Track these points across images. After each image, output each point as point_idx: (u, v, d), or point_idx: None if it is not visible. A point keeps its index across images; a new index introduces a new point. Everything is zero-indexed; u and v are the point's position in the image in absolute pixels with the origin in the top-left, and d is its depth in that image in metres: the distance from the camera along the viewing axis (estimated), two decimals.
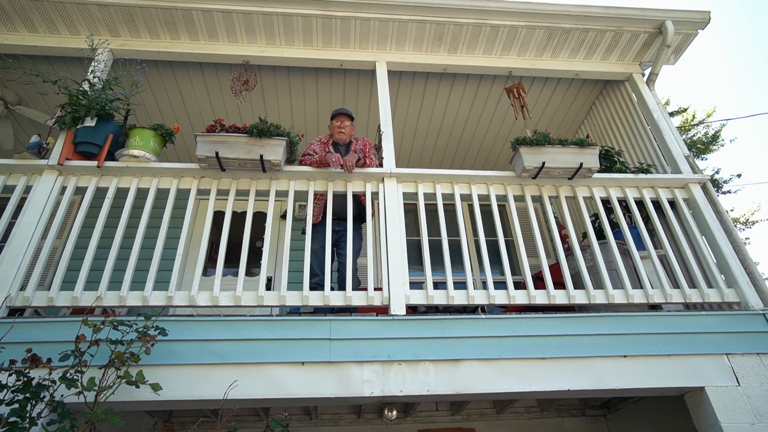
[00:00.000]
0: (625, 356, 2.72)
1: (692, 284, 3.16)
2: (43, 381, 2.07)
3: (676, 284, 3.14)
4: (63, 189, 3.15)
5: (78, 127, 3.29)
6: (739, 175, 13.11)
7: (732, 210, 13.36)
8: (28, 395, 1.99)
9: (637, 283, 3.19)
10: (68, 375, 2.07)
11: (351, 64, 4.22)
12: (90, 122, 3.27)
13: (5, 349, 2.15)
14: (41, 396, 2.04)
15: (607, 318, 2.89)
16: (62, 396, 2.07)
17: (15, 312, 2.76)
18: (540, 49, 4.32)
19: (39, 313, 3.14)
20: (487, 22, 4.06)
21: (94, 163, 3.17)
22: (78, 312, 2.83)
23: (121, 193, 3.18)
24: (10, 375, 2.03)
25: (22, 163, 3.16)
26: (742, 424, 2.53)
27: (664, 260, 3.35)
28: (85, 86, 3.42)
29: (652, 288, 3.06)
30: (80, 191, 3.18)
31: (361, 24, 4.02)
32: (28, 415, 1.96)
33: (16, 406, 1.96)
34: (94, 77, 3.57)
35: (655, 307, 3.16)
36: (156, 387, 2.15)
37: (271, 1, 3.85)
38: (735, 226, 3.57)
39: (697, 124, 13.11)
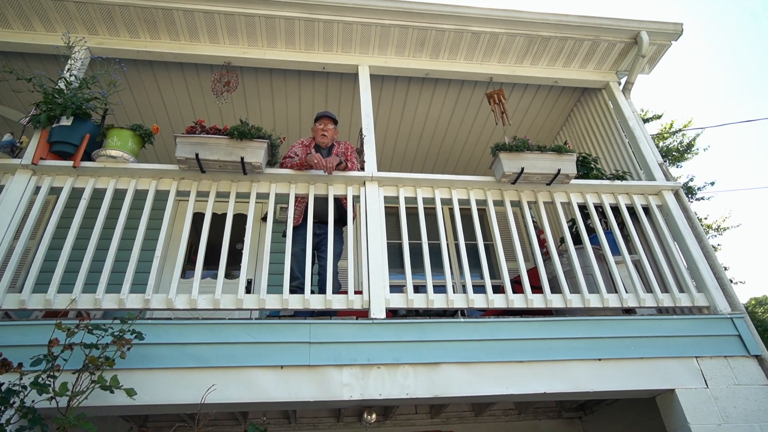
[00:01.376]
0: (599, 359, 2.79)
1: (665, 289, 3.25)
2: (13, 386, 2.02)
3: (649, 289, 3.22)
4: (37, 189, 3.08)
5: (53, 126, 3.22)
6: (712, 183, 13.57)
7: (706, 217, 13.74)
8: None
9: (612, 287, 3.27)
10: (40, 380, 2.02)
11: (333, 67, 4.22)
12: (66, 121, 3.21)
13: None
14: (11, 402, 1.99)
15: (583, 322, 2.95)
16: (33, 401, 2.02)
17: None
18: (520, 56, 4.40)
19: (10, 316, 3.06)
20: (469, 28, 4.12)
21: (70, 163, 3.11)
22: (51, 315, 2.77)
23: (98, 194, 3.13)
24: None
25: None
26: (709, 425, 2.61)
27: (638, 265, 3.44)
28: (61, 84, 3.35)
29: (627, 292, 3.14)
30: (55, 191, 3.11)
31: (344, 28, 4.04)
32: None
33: None
34: (70, 75, 3.50)
35: (629, 311, 3.24)
36: (131, 392, 2.12)
37: (253, 2, 3.83)
38: (707, 233, 3.69)
39: (675, 133, 13.46)
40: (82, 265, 2.79)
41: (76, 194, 3.11)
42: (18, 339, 2.43)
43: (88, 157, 3.20)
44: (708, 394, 2.71)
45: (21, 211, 2.95)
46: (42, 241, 2.87)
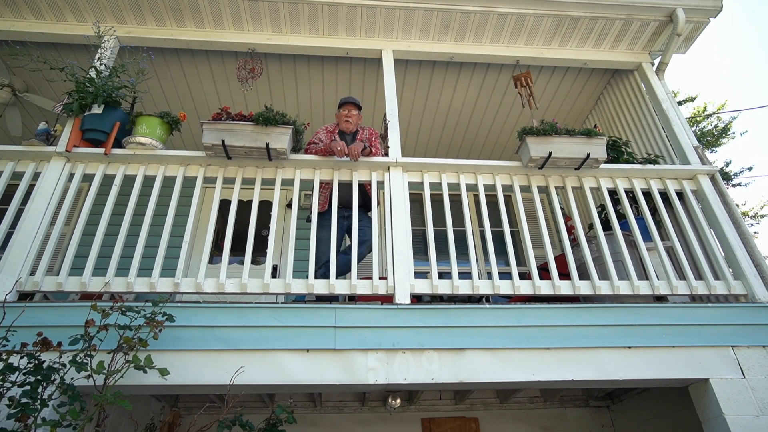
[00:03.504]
0: (629, 347, 2.73)
1: (699, 276, 3.14)
2: (53, 364, 2.10)
3: (682, 276, 3.12)
4: (71, 176, 3.17)
5: (85, 114, 3.30)
6: (750, 168, 12.94)
7: (744, 203, 13.21)
8: (39, 378, 2.03)
9: (643, 274, 3.18)
10: (78, 359, 2.10)
11: (357, 52, 4.19)
12: (97, 109, 3.28)
13: (17, 332, 2.19)
14: (52, 378, 2.08)
15: (613, 309, 2.88)
16: (72, 379, 2.10)
17: (25, 297, 2.80)
18: (548, 37, 4.27)
19: (48, 298, 3.19)
20: (495, 9, 4.01)
21: (102, 150, 3.19)
22: (86, 297, 2.86)
23: (128, 181, 3.20)
24: (21, 357, 2.07)
25: (31, 150, 3.18)
26: (746, 416, 2.53)
27: (670, 252, 3.34)
28: (92, 73, 3.42)
29: (658, 279, 3.05)
30: (88, 178, 3.20)
31: (367, 12, 3.99)
32: (39, 396, 2.00)
33: (28, 387, 2.00)
34: (100, 64, 3.58)
35: (660, 298, 3.15)
36: (164, 372, 2.19)
37: None
38: (744, 219, 3.54)
39: (708, 116, 12.93)
40: (115, 249, 2.87)
41: (107, 181, 3.18)
42: (56, 320, 2.53)
43: (118, 144, 3.28)
44: (745, 384, 2.62)
45: (56, 198, 3.04)
46: (76, 226, 2.96)
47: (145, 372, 2.18)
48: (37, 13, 3.90)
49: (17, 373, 2.03)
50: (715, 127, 12.97)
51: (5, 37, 3.87)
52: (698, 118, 12.95)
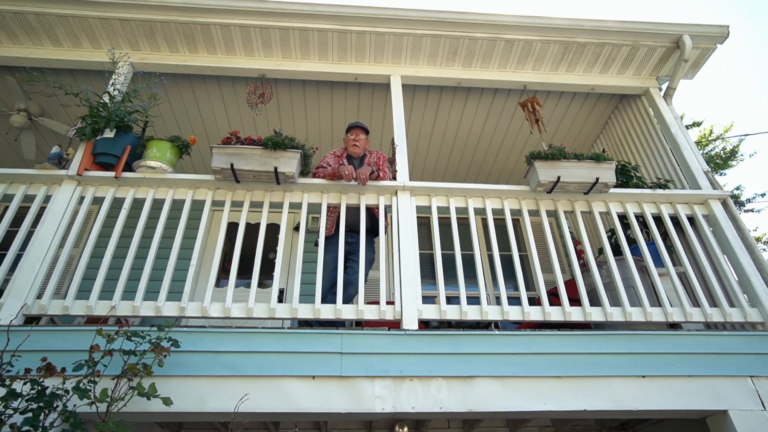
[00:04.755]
0: (644, 376, 2.65)
1: (713, 303, 3.07)
2: (56, 390, 2.07)
3: (696, 303, 3.05)
4: (81, 199, 3.20)
5: (97, 138, 3.35)
6: (763, 194, 12.81)
7: (756, 229, 13.03)
8: (41, 404, 2.00)
9: (656, 301, 3.11)
10: (81, 385, 2.07)
11: (366, 77, 4.25)
12: (109, 133, 3.33)
13: (21, 357, 2.17)
14: (54, 405, 2.04)
15: (625, 336, 2.82)
16: (75, 406, 2.07)
17: (31, 320, 2.79)
18: (555, 63, 4.31)
19: (54, 321, 3.18)
20: (502, 36, 4.07)
21: (112, 173, 3.22)
22: (92, 321, 2.85)
23: (138, 204, 3.22)
24: (24, 383, 2.04)
25: (43, 173, 3.22)
26: None
27: (683, 278, 3.27)
28: (106, 98, 3.49)
29: (672, 306, 2.98)
30: (98, 201, 3.23)
31: (376, 38, 4.06)
32: (41, 424, 1.96)
33: (30, 415, 1.97)
34: (114, 90, 3.65)
35: (674, 326, 3.08)
36: (167, 401, 2.14)
37: (287, 16, 3.91)
38: (758, 245, 3.48)
39: (715, 140, 12.89)
40: (122, 273, 2.87)
41: (116, 204, 3.21)
42: (61, 344, 2.51)
43: (129, 167, 3.31)
44: (765, 417, 2.51)
45: (66, 221, 3.06)
46: (85, 249, 2.97)
47: (148, 399, 2.14)
48: (55, 41, 4.01)
49: (20, 399, 2.00)
50: (723, 149, 12.92)
51: (23, 64, 3.99)
52: (704, 142, 12.91)
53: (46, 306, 2.71)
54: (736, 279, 3.18)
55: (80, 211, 3.14)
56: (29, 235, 3.00)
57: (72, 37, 3.99)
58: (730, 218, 3.42)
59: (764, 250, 12.67)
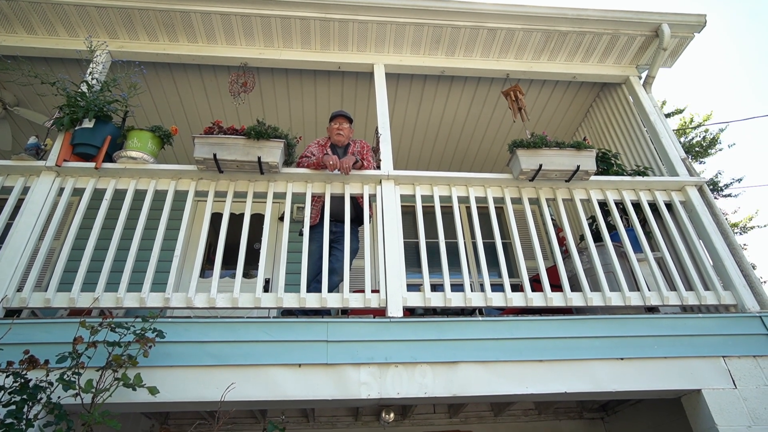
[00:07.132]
0: (621, 359, 2.73)
1: (689, 287, 3.17)
2: (40, 382, 2.07)
3: (673, 287, 3.15)
4: (60, 190, 3.15)
5: (76, 128, 3.29)
6: (739, 180, 13.10)
7: (735, 212, 13.33)
8: (25, 397, 1.99)
9: (634, 285, 3.20)
10: (65, 377, 2.07)
11: (349, 66, 4.23)
12: (88, 124, 3.27)
13: (3, 350, 2.15)
14: (38, 398, 2.04)
15: (604, 320, 2.89)
16: (59, 398, 2.07)
17: (12, 313, 2.76)
18: (537, 51, 4.34)
19: (36, 314, 3.14)
20: (485, 25, 4.08)
21: (92, 164, 3.17)
22: (75, 313, 2.82)
23: (119, 195, 3.18)
24: (7, 376, 2.03)
25: (20, 165, 3.15)
26: (738, 427, 2.53)
27: (661, 262, 3.36)
28: (84, 88, 3.42)
29: (649, 290, 3.07)
30: (78, 192, 3.18)
31: (359, 27, 4.04)
32: (24, 416, 1.96)
33: (13, 407, 1.96)
34: (92, 79, 3.57)
35: (652, 309, 3.17)
36: (153, 390, 2.15)
37: (269, 3, 3.86)
38: (732, 230, 3.58)
39: (695, 128, 13.12)
40: (104, 264, 2.84)
41: (98, 195, 3.17)
42: (44, 336, 2.49)
43: (109, 158, 3.26)
44: (737, 395, 2.63)
45: (46, 212, 3.01)
46: (66, 241, 2.93)
47: (134, 390, 2.15)
48: (29, 29, 3.90)
49: (2, 392, 1.99)
50: (703, 138, 13.17)
51: None
52: (687, 130, 13.13)
53: (27, 299, 2.68)
54: (711, 263, 3.28)
55: (60, 203, 3.09)
56: (7, 227, 2.95)
57: (47, 25, 3.88)
58: (706, 204, 3.52)
59: (738, 234, 13.01)
